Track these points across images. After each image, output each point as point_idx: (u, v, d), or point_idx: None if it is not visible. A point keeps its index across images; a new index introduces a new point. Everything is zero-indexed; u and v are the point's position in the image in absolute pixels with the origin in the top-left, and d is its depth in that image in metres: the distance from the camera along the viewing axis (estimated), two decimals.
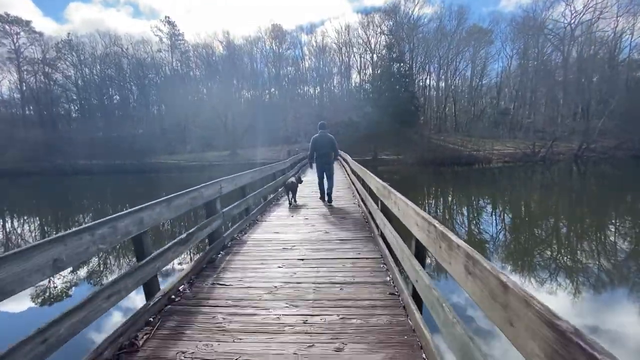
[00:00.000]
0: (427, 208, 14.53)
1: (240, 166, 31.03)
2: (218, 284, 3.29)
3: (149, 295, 2.84)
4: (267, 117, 48.89)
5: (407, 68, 46.81)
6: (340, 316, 2.57)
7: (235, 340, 2.28)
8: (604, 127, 37.53)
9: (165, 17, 57.30)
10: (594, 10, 43.83)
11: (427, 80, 54.75)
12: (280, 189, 9.69)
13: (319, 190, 8.34)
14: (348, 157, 13.83)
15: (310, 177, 11.91)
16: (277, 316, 2.61)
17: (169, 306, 2.85)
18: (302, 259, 3.92)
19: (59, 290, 6.55)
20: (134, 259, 2.82)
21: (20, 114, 54.80)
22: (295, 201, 7.96)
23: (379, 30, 53.22)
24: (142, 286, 2.79)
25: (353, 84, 56.59)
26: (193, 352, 2.16)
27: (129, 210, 2.66)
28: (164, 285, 3.05)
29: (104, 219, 2.32)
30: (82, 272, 7.50)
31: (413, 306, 2.44)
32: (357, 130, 40.65)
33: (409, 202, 2.68)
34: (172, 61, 57.64)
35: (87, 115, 55.23)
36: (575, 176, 26.45)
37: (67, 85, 55.77)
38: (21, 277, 1.61)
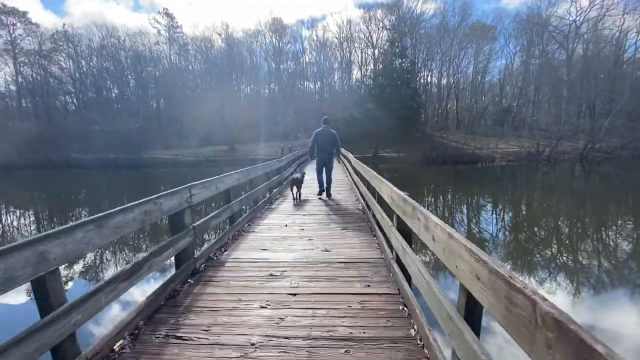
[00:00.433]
0: (427, 207, 13.65)
1: (238, 162, 30.11)
2: (174, 337, 2.32)
3: None
4: (266, 112, 47.94)
5: (409, 64, 45.84)
6: None
7: None
8: (609, 126, 36.74)
9: (164, 8, 56.01)
10: (600, 7, 42.95)
11: (429, 77, 53.96)
12: (275, 190, 8.75)
13: (317, 187, 8.38)
14: (350, 155, 12.79)
15: (309, 176, 11.02)
16: None
17: None
18: (294, 294, 2.95)
19: None
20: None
21: (16, 106, 53.77)
22: (299, 197, 8.02)
23: (381, 25, 52.23)
24: (49, 352, 1.85)
25: (354, 80, 55.60)
26: None
27: (26, 240, 1.72)
28: (90, 345, 2.09)
29: None
30: None
31: None
32: (357, 126, 39.60)
33: (455, 234, 1.73)
34: (170, 54, 56.45)
35: (83, 108, 54.10)
36: (581, 176, 25.90)
37: (63, 78, 54.67)
38: None
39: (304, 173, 9.06)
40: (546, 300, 0.98)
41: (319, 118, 8.16)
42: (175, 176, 27.01)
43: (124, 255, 8.48)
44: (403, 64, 44.60)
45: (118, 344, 2.22)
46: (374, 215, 5.20)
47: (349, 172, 12.33)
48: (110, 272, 6.89)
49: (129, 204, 2.54)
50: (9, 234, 11.51)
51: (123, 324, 2.33)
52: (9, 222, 13.73)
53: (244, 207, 6.02)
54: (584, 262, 7.51)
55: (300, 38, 61.36)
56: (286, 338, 2.28)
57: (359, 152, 28.40)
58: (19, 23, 51.96)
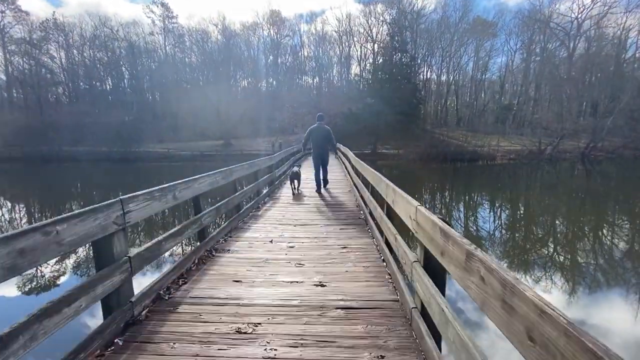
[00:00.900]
0: (428, 207, 12.79)
1: (233, 157, 29.08)
2: None
3: None
4: (263, 106, 46.89)
5: (409, 59, 44.81)
6: None
7: None
8: (612, 125, 36.10)
9: None
10: (602, 4, 42.38)
11: (429, 74, 53.13)
12: (264, 192, 7.70)
13: (313, 185, 8.49)
14: (349, 153, 11.62)
15: (304, 175, 10.12)
16: None
17: None
18: None
19: None
20: None
21: (7, 96, 52.29)
22: (299, 191, 8.31)
23: (381, 19, 51.10)
24: None
25: (353, 75, 54.44)
26: None
27: None
28: None
29: None
30: None
31: None
32: (356, 122, 38.47)
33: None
34: (165, 45, 54.92)
35: (75, 100, 52.65)
36: (582, 176, 25.48)
37: (54, 68, 53.19)
38: None
39: (300, 165, 9.54)
40: None
41: (317, 113, 8.46)
42: (167, 170, 26.15)
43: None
44: (403, 59, 43.71)
45: None
46: (379, 228, 4.17)
47: (348, 172, 11.24)
48: None
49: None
50: None
51: None
52: None
53: (223, 214, 4.98)
54: (580, 261, 7.64)
55: (298, 31, 60.10)
56: None
57: (358, 148, 27.64)
58: (8, 10, 50.50)
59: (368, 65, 51.55)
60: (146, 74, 54.71)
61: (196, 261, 3.60)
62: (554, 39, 46.20)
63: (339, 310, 2.60)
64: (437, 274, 2.09)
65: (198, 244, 3.93)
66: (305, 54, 59.06)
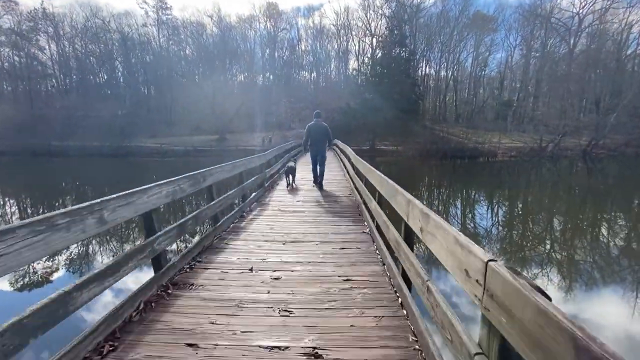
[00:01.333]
0: (428, 206, 12.02)
1: (228, 152, 27.95)
2: None
3: None
4: (259, 101, 45.62)
5: (409, 53, 43.73)
6: None
7: None
8: (615, 122, 35.44)
9: None
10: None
11: (427, 69, 52.24)
12: (253, 195, 6.71)
13: (312, 177, 8.82)
14: (348, 150, 10.59)
15: (299, 175, 9.45)
16: None
17: None
18: None
19: None
20: None
21: None
22: (294, 184, 8.57)
23: (380, 12, 49.91)
24: None
25: (351, 69, 53.32)
26: None
27: None
28: None
29: None
30: None
31: None
32: (354, 117, 37.41)
33: None
34: (159, 38, 53.43)
35: (65, 93, 51.21)
36: (584, 174, 25.01)
37: (45, 60, 51.67)
38: None
39: (296, 160, 9.94)
40: None
41: (314, 108, 8.86)
42: (159, 165, 25.17)
43: None
44: (402, 53, 42.63)
45: None
46: (389, 247, 3.20)
47: (347, 171, 10.23)
48: None
49: None
50: None
51: None
52: None
53: (197, 227, 3.97)
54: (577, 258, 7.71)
55: (296, 25, 58.74)
56: None
57: (356, 144, 26.80)
58: None
59: (366, 59, 50.42)
60: (140, 67, 53.25)
61: (141, 306, 2.55)
62: (555, 34, 45.37)
63: None
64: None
65: (152, 275, 2.92)
66: (303, 48, 57.89)
